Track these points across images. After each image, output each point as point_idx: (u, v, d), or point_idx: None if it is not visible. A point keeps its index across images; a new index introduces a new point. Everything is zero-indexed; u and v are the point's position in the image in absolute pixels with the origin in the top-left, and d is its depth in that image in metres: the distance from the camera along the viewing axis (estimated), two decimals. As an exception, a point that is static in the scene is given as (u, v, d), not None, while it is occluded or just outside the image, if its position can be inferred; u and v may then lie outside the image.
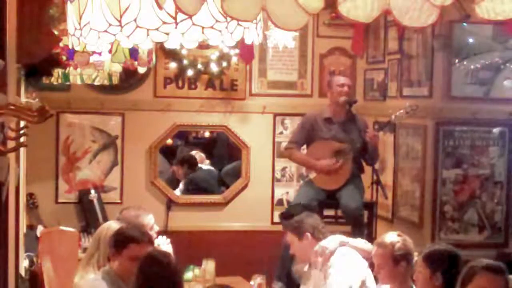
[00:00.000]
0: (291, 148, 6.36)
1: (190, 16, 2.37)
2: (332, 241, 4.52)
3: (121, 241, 3.81)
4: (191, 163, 7.98)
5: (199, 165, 8.03)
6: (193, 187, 7.51)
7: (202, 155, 8.35)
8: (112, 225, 4.14)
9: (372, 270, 4.27)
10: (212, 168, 8.12)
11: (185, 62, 6.89)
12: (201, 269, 5.08)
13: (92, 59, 4.22)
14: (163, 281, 3.36)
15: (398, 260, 3.95)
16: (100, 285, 3.71)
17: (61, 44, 3.56)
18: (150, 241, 3.91)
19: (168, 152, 8.35)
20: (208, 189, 7.56)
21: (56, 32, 3.23)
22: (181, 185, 7.70)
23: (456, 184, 6.07)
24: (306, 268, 4.71)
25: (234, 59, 6.97)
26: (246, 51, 6.30)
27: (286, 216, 4.76)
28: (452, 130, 6.08)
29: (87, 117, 6.84)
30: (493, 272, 3.32)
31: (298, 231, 4.57)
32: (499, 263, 3.42)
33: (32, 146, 5.55)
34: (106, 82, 5.60)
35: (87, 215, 6.64)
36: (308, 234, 4.54)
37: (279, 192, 7.16)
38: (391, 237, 4.03)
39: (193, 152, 8.35)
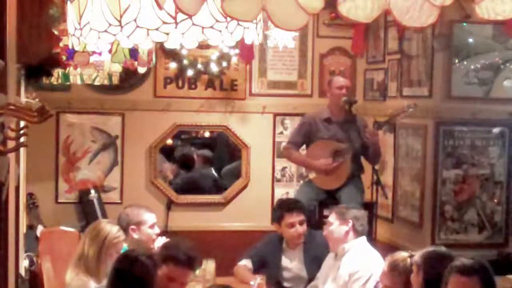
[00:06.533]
0: (289, 148, 6.40)
1: (190, 16, 2.38)
2: None
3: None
4: (184, 164, 7.97)
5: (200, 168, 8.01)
6: (184, 190, 7.43)
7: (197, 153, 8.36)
8: (108, 227, 4.14)
9: None
10: (208, 171, 8.10)
11: (185, 62, 6.89)
12: (201, 269, 5.07)
13: (92, 59, 4.22)
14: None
15: (409, 281, 3.93)
16: None
17: (61, 44, 3.56)
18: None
19: (168, 152, 8.34)
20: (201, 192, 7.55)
21: (56, 32, 3.23)
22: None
23: (456, 184, 6.06)
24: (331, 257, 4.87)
25: (234, 59, 6.97)
26: (246, 51, 6.31)
27: None
28: (452, 130, 6.08)
29: (87, 117, 6.84)
30: (463, 273, 3.30)
31: (343, 216, 4.80)
32: (474, 263, 3.36)
33: (32, 146, 5.55)
34: (106, 82, 5.60)
35: (87, 215, 6.63)
36: (350, 222, 4.76)
37: (279, 192, 7.15)
38: (403, 259, 3.99)
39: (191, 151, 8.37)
